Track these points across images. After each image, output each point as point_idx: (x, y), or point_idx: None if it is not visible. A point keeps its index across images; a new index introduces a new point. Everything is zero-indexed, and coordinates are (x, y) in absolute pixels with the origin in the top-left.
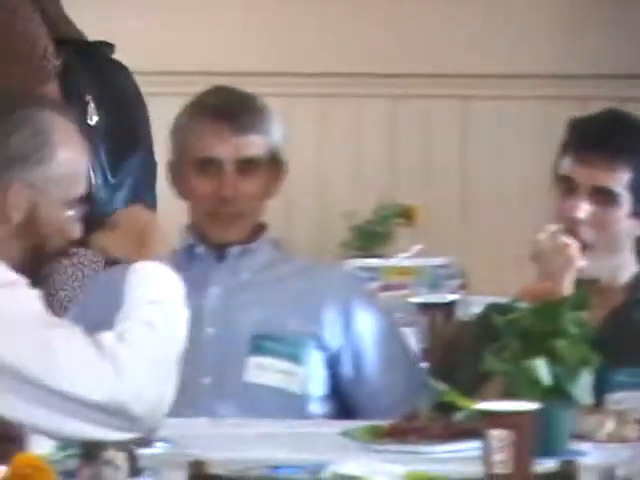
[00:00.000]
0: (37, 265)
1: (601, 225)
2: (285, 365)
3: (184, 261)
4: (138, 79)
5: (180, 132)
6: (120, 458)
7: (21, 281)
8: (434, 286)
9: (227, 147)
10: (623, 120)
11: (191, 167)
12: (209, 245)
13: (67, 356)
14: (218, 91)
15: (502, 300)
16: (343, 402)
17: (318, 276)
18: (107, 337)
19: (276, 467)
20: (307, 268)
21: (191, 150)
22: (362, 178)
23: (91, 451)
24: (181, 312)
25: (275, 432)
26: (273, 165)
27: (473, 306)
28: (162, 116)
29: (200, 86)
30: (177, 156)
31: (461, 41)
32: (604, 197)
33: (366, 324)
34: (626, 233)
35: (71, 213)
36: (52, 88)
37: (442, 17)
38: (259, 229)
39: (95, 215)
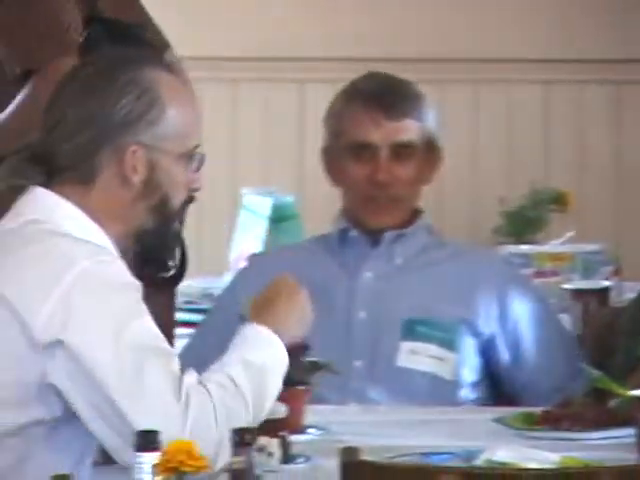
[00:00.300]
0: (166, 220)
1: None
2: (437, 350)
3: (337, 245)
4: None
5: (335, 118)
6: (273, 445)
7: (136, 286)
8: (587, 272)
9: (382, 132)
10: None
11: (346, 152)
12: (363, 231)
13: (149, 385)
14: (372, 77)
15: None
16: (497, 388)
17: (472, 261)
18: (190, 379)
19: (429, 454)
20: (461, 252)
21: (346, 135)
22: (515, 164)
23: (244, 438)
24: (274, 385)
25: (427, 419)
26: (428, 151)
27: (627, 292)
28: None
29: (350, 73)
30: (331, 142)
31: None
32: None
33: (523, 308)
34: None
35: (190, 164)
36: (69, 62)
37: None
38: (414, 215)
39: None
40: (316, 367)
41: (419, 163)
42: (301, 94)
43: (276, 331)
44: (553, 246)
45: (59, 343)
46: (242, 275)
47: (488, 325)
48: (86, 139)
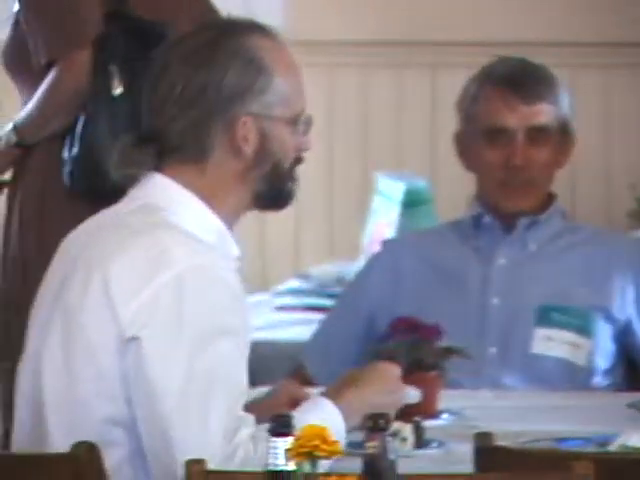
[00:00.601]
0: (280, 184)
1: None
2: (572, 337)
3: (471, 231)
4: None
5: (468, 102)
6: (407, 430)
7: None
8: None
9: (517, 116)
10: None
11: (481, 137)
12: (497, 216)
13: (207, 421)
14: (506, 61)
15: None
16: (632, 373)
17: (606, 246)
18: (246, 431)
19: (563, 439)
20: (595, 237)
21: (481, 120)
22: None
23: (378, 423)
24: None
25: (561, 404)
26: (563, 135)
27: None
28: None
29: (482, 57)
30: (465, 126)
31: None
32: None
33: None
34: None
35: (298, 127)
36: (83, 55)
37: None
38: (548, 199)
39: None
40: (450, 352)
41: (554, 147)
42: (433, 78)
43: (349, 410)
44: None
45: (135, 340)
46: (376, 260)
47: (624, 310)
48: (196, 115)
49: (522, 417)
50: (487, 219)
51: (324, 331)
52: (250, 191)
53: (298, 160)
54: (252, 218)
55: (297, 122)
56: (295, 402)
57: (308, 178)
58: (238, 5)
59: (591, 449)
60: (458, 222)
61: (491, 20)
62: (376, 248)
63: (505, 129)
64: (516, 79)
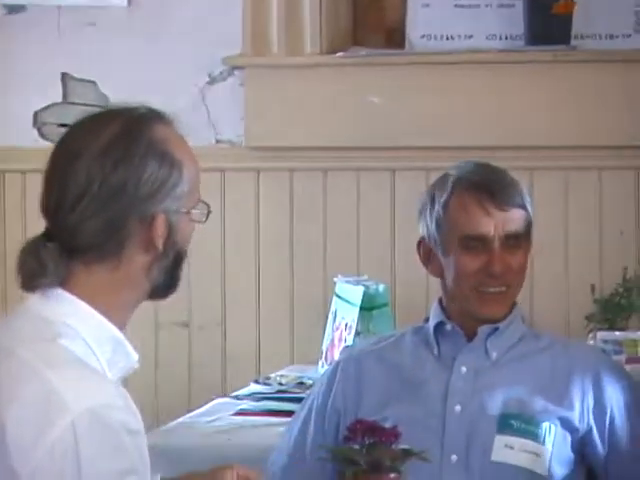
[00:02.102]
0: (178, 272)
1: None
2: (532, 445)
3: (432, 338)
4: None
5: (440, 209)
6: None
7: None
8: None
9: (494, 223)
10: None
11: (457, 244)
12: (460, 323)
13: None
14: (474, 166)
15: None
16: None
17: (567, 353)
18: None
19: None
20: (556, 345)
21: (457, 227)
22: (606, 251)
23: None
24: None
25: None
26: (529, 238)
27: None
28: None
29: (443, 161)
30: (435, 233)
31: None
32: None
33: (617, 399)
34: None
35: (196, 214)
36: None
37: None
38: (512, 306)
39: None
40: (408, 454)
41: (524, 251)
42: (392, 182)
43: None
44: None
45: None
46: (337, 368)
47: (584, 419)
48: (114, 214)
49: None
50: (449, 326)
51: (291, 443)
52: (151, 283)
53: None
54: (213, 322)
55: (194, 210)
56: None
57: (269, 283)
58: (201, 113)
59: None
60: (419, 328)
61: (451, 125)
62: (336, 352)
63: (484, 236)
64: (490, 185)
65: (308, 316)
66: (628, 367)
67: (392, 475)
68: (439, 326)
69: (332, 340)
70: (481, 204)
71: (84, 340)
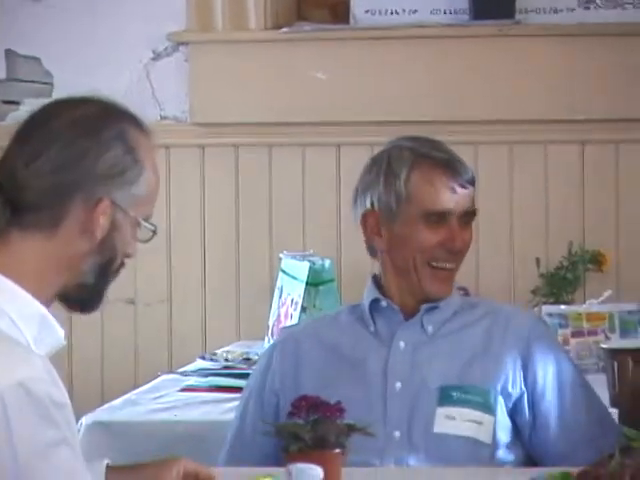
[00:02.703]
0: (105, 280)
1: None
2: (473, 414)
3: (370, 315)
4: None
5: (401, 182)
6: None
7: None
8: (625, 331)
9: (456, 200)
10: None
11: (418, 218)
12: (396, 301)
13: None
14: (432, 142)
15: None
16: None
17: (502, 320)
18: None
19: None
20: (491, 313)
21: (421, 202)
22: (552, 224)
23: None
24: None
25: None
26: (474, 215)
27: None
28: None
29: (388, 135)
30: (394, 207)
31: None
32: None
33: (546, 369)
34: None
35: (141, 231)
36: None
37: None
38: None
39: None
40: (352, 429)
41: (472, 228)
42: (337, 157)
43: None
44: (591, 306)
45: None
46: (275, 349)
47: (516, 385)
48: (65, 180)
49: None
50: (384, 303)
51: (234, 425)
52: (80, 276)
53: (122, 264)
54: (159, 299)
55: (140, 226)
56: (189, 477)
57: (215, 259)
58: (146, 89)
59: None
60: (355, 307)
61: (396, 100)
62: (281, 327)
63: (446, 212)
64: (454, 162)
65: (254, 292)
66: (573, 341)
67: (337, 450)
68: (374, 303)
69: (278, 316)
70: (447, 180)
71: (9, 316)
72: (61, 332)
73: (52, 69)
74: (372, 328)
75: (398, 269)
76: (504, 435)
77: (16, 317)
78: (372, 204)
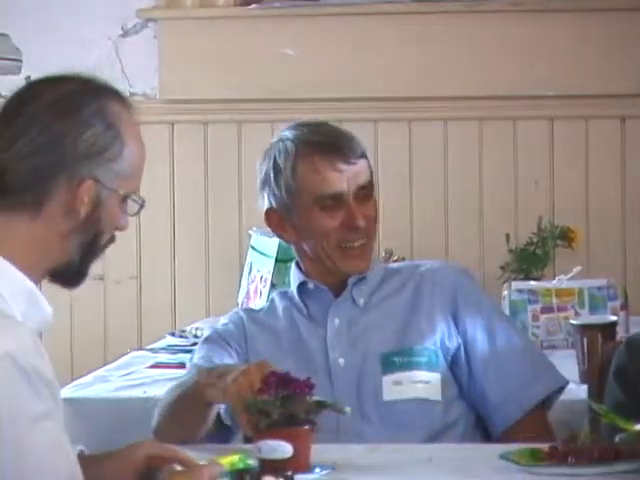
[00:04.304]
0: (91, 257)
1: None
2: (419, 375)
3: (300, 299)
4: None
5: (288, 176)
6: None
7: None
8: (594, 307)
9: (346, 178)
10: None
11: (312, 206)
12: (322, 282)
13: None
14: (312, 128)
15: None
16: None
17: (426, 280)
18: None
19: None
20: (414, 274)
21: (311, 190)
22: (521, 200)
23: (246, 477)
24: None
25: (433, 456)
26: (373, 187)
27: (633, 327)
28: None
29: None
30: (286, 199)
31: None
32: None
33: (475, 318)
34: None
35: (128, 205)
36: None
37: None
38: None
39: None
40: (322, 406)
41: (374, 200)
42: None
43: None
44: (560, 282)
45: None
46: (231, 322)
47: (452, 338)
48: (46, 162)
49: (394, 470)
50: (311, 285)
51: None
52: (66, 255)
53: (112, 239)
54: (128, 275)
55: (127, 200)
56: (155, 460)
57: (184, 236)
58: (115, 66)
59: None
60: (284, 293)
61: (365, 77)
62: (251, 304)
63: (339, 193)
64: (334, 142)
65: (224, 268)
66: (543, 317)
67: (306, 427)
68: (302, 287)
69: (248, 292)
70: (331, 162)
71: None
72: (49, 309)
73: (21, 46)
74: (305, 311)
75: (313, 256)
76: (450, 390)
77: (5, 292)
78: (270, 202)
